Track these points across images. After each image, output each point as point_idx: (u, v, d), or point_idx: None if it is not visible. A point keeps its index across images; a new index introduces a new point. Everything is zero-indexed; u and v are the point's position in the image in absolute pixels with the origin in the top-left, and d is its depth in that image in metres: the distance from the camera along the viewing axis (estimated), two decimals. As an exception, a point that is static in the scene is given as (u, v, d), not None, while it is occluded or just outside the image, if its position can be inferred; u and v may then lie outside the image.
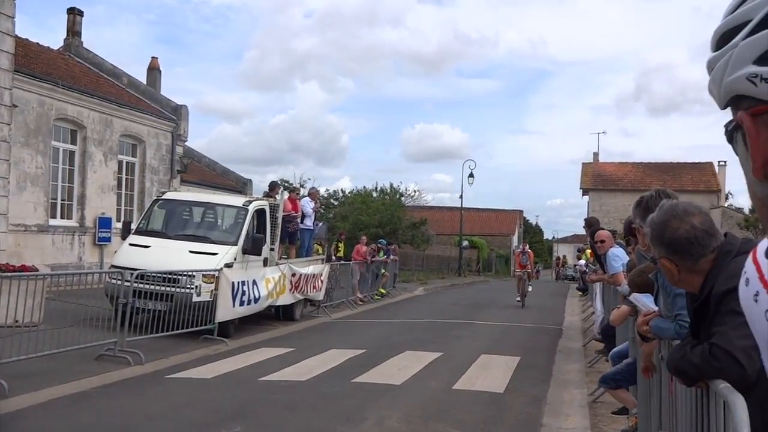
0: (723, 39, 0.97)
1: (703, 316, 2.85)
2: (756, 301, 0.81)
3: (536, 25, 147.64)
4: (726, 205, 48.86)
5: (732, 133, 0.99)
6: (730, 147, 1.02)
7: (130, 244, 13.70)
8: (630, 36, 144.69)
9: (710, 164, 49.82)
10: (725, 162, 47.86)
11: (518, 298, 23.75)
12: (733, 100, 0.96)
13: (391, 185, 51.32)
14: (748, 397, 2.32)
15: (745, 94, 0.92)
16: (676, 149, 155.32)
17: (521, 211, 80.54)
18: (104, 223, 22.25)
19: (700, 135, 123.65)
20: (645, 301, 3.68)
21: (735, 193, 55.90)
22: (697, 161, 51.46)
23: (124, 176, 24.05)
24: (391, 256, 26.73)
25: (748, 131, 0.93)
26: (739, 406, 2.37)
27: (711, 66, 0.99)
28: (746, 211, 47.06)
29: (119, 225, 17.29)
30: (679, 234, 2.91)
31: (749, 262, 0.83)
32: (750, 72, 0.90)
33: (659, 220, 3.01)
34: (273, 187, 17.71)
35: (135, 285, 10.81)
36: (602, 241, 9.37)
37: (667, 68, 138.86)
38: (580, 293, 27.82)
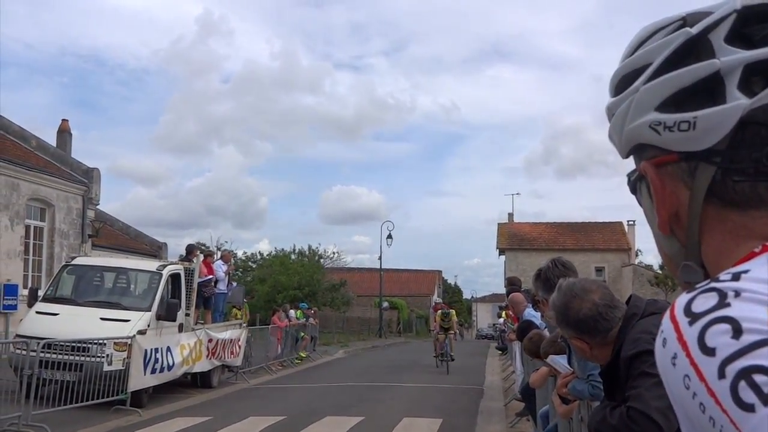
0: (622, 83, 0.91)
1: (613, 379, 2.87)
2: (674, 365, 0.70)
3: (449, 91, 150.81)
4: (636, 262, 50.49)
5: (635, 183, 0.93)
6: (635, 206, 0.96)
7: (37, 312, 13.14)
8: (537, 102, 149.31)
9: (620, 224, 51.56)
10: (634, 222, 49.59)
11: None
12: (635, 149, 0.90)
13: (310, 247, 50.90)
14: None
15: (648, 143, 0.86)
16: (584, 210, 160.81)
17: (440, 272, 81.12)
18: (10, 290, 21.27)
19: (605, 196, 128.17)
20: (562, 363, 3.70)
21: (644, 251, 57.93)
22: (607, 221, 53.16)
23: (32, 241, 23.13)
24: (311, 320, 26.47)
25: (653, 183, 0.87)
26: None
27: (611, 111, 0.93)
28: (656, 268, 48.77)
29: (26, 292, 16.59)
30: (582, 314, 2.91)
31: (666, 321, 0.73)
32: (652, 119, 0.84)
33: (560, 302, 2.98)
34: (190, 250, 17.26)
35: (41, 355, 10.36)
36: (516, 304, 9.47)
37: (573, 132, 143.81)
38: (500, 352, 28.00)
